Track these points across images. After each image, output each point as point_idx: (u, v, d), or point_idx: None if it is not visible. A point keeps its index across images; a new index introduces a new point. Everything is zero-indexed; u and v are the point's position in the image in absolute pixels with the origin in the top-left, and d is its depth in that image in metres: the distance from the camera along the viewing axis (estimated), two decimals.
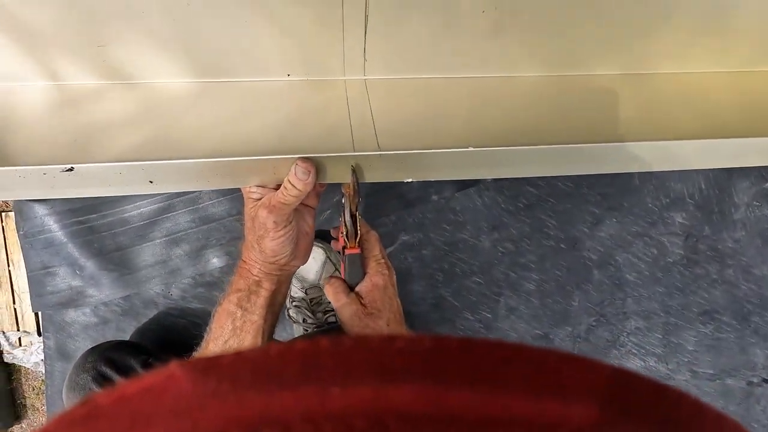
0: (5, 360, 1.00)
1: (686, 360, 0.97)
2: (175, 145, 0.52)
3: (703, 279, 0.93)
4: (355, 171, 0.49)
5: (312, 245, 0.55)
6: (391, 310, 0.52)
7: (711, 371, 0.97)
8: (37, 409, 1.04)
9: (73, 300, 0.88)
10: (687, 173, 0.90)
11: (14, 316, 0.98)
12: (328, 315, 0.84)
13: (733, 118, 0.60)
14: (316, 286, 0.84)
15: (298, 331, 0.86)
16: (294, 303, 0.85)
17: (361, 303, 0.51)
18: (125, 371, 0.69)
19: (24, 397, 1.04)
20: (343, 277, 0.53)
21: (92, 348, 0.73)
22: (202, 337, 0.54)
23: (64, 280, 0.87)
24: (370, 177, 0.51)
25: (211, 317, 0.53)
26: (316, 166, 0.47)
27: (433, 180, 0.78)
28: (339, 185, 0.52)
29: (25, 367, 1.02)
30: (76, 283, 0.87)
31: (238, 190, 0.52)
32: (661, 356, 0.96)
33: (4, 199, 0.92)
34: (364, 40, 0.55)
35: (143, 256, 0.87)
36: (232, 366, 0.16)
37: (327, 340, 0.16)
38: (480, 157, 0.50)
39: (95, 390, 0.67)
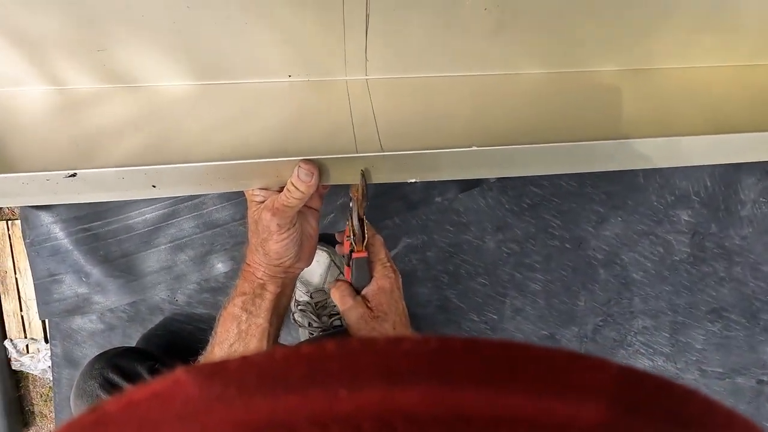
0: (13, 367, 1.00)
1: (695, 359, 0.96)
2: (177, 149, 0.52)
3: (710, 277, 0.93)
4: (365, 175, 0.49)
5: (316, 247, 0.55)
6: (397, 313, 0.52)
7: (720, 370, 0.96)
8: (45, 416, 1.05)
9: (80, 307, 0.89)
10: (692, 170, 0.89)
11: (21, 324, 0.98)
12: (333, 318, 0.84)
13: (737, 113, 0.60)
14: (321, 290, 0.84)
15: (303, 335, 0.86)
16: (299, 307, 0.85)
17: (367, 306, 0.51)
18: (132, 377, 0.69)
19: (32, 404, 1.05)
20: (349, 280, 0.53)
21: (99, 355, 0.73)
22: (208, 341, 0.54)
23: (70, 287, 0.88)
24: (374, 178, 0.51)
25: (216, 321, 0.53)
26: (319, 167, 0.47)
27: (436, 180, 0.78)
28: (342, 188, 0.52)
29: (32, 375, 1.03)
30: (82, 290, 0.88)
31: (242, 194, 0.52)
32: (669, 355, 0.96)
33: (7, 206, 0.93)
34: (365, 40, 0.55)
35: (148, 262, 0.87)
36: (238, 370, 0.16)
37: (333, 343, 0.16)
38: (483, 157, 0.49)
39: (103, 397, 0.67)
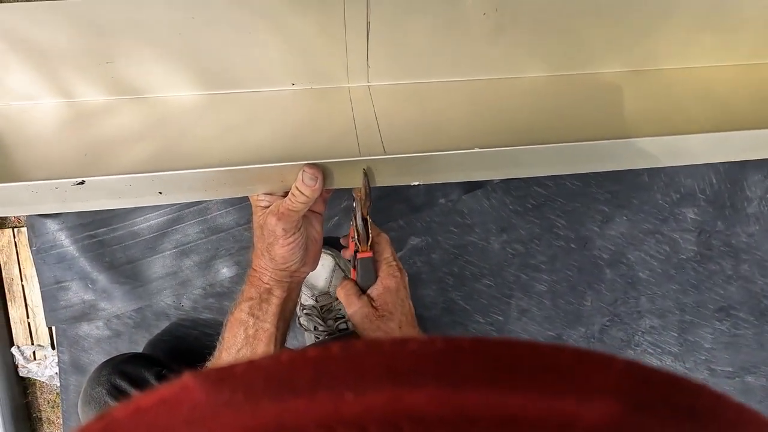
0: (20, 374, 1.01)
1: (703, 358, 0.95)
2: (184, 157, 0.52)
3: (717, 275, 0.92)
4: (367, 174, 0.49)
5: (321, 251, 0.56)
6: (403, 312, 0.52)
7: (730, 369, 0.96)
8: (53, 423, 1.05)
9: (86, 314, 0.89)
10: (697, 168, 0.89)
11: (28, 331, 0.99)
12: (339, 322, 0.84)
13: (742, 111, 0.59)
14: (327, 294, 0.84)
15: (309, 338, 0.86)
16: (305, 311, 0.85)
17: (372, 306, 0.51)
18: (139, 383, 0.69)
19: (39, 411, 1.05)
20: (355, 280, 0.53)
21: (106, 361, 0.73)
22: (215, 347, 0.54)
23: (76, 294, 0.88)
24: (378, 181, 0.51)
25: (223, 327, 0.53)
26: (323, 171, 0.47)
27: (439, 183, 0.78)
28: (345, 191, 0.52)
29: (40, 381, 1.03)
30: (88, 296, 0.88)
31: (246, 199, 0.53)
32: (677, 355, 0.95)
33: (17, 215, 0.94)
34: (367, 47, 0.55)
35: (154, 268, 0.87)
36: (245, 375, 0.16)
37: (338, 346, 0.16)
38: (486, 158, 0.49)
39: (110, 403, 0.67)
